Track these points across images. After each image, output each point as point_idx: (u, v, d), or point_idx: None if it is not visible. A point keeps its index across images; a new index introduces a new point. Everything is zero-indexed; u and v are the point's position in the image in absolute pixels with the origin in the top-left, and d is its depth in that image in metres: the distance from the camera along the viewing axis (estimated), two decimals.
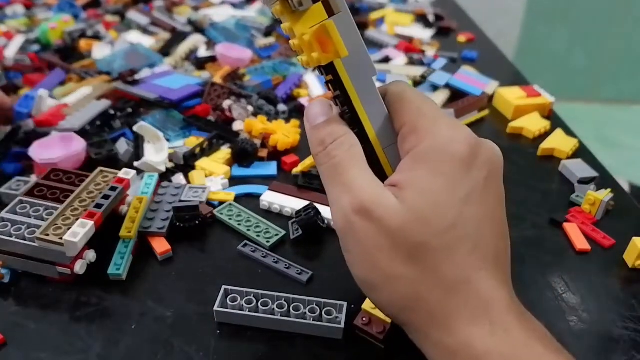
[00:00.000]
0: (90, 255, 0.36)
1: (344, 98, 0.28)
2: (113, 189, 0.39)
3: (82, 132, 0.51)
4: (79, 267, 0.35)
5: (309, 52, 0.26)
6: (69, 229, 0.34)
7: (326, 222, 0.41)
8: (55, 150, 0.46)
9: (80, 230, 0.34)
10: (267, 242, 0.40)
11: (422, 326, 0.26)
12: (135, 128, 0.49)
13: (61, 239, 0.34)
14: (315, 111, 0.29)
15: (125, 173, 0.41)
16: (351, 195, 0.26)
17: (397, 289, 0.26)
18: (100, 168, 0.41)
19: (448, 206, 0.25)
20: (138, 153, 0.50)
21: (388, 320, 0.31)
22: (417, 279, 0.25)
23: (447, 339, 0.25)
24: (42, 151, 0.46)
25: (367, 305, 0.32)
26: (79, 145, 0.47)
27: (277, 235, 0.41)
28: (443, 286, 0.25)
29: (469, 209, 0.25)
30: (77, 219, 0.36)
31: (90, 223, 0.35)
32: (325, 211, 0.42)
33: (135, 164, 0.47)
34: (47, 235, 0.34)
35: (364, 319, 0.32)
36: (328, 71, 0.27)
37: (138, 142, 0.51)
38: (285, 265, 0.38)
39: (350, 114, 0.28)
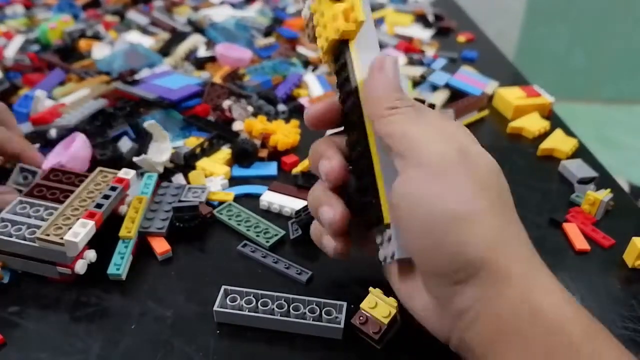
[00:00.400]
0: (91, 254, 0.36)
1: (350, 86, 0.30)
2: (113, 188, 0.39)
3: (82, 132, 0.51)
4: (80, 267, 0.35)
5: (332, 24, 0.30)
6: (69, 228, 0.34)
7: None
8: (62, 155, 0.47)
9: (81, 230, 0.34)
10: (267, 242, 0.40)
11: (505, 269, 0.25)
12: (145, 124, 0.49)
13: (62, 238, 0.34)
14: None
15: (125, 173, 0.41)
16: (452, 138, 0.27)
17: (493, 222, 0.26)
18: (99, 168, 0.41)
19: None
20: (143, 150, 0.50)
21: (385, 321, 0.31)
22: (504, 219, 0.27)
23: (533, 279, 0.25)
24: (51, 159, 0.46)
25: (365, 304, 0.32)
26: (86, 147, 0.47)
27: (276, 235, 0.41)
28: (519, 227, 0.28)
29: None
30: (77, 219, 0.36)
31: (90, 223, 0.35)
32: None
33: (135, 159, 0.46)
34: (48, 235, 0.34)
35: (361, 317, 0.32)
36: (339, 56, 0.31)
37: (145, 139, 0.51)
38: (285, 265, 0.38)
39: (354, 101, 0.30)
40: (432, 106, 0.59)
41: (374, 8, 0.97)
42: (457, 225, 0.25)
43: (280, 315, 0.33)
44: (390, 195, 0.29)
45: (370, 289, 0.33)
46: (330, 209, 0.31)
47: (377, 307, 0.32)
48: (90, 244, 0.36)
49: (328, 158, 0.31)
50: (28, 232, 0.35)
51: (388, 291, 0.32)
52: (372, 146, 0.30)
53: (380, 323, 0.32)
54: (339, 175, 0.31)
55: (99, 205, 0.37)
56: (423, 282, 0.28)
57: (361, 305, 0.33)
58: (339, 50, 0.31)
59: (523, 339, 0.24)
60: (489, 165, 0.28)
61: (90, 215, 0.36)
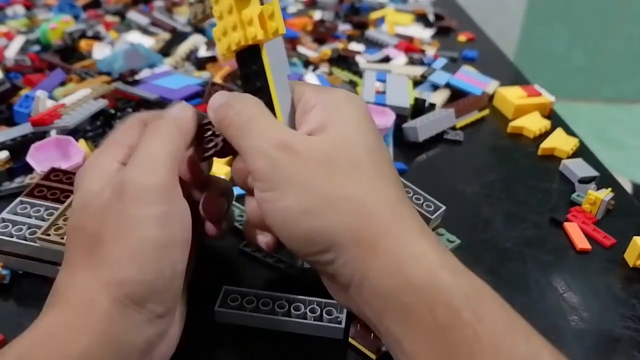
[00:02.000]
0: None
1: (261, 81, 0.30)
2: None
3: (83, 133, 0.51)
4: None
5: (244, 28, 0.29)
6: None
7: None
8: (54, 159, 0.47)
9: None
10: None
11: (370, 242, 0.26)
12: None
13: (62, 238, 0.34)
14: (216, 97, 0.30)
15: None
16: (269, 136, 0.27)
17: (342, 208, 0.26)
18: None
19: (370, 130, 0.29)
20: None
21: None
22: (361, 195, 0.26)
23: (401, 250, 0.25)
24: (42, 159, 0.46)
25: None
26: (79, 155, 0.47)
27: None
28: (387, 200, 0.27)
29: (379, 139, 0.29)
30: None
31: None
32: None
33: None
34: (49, 235, 0.34)
35: (360, 323, 0.32)
36: (249, 56, 0.30)
37: None
38: (286, 265, 0.38)
39: (262, 92, 0.30)
40: (432, 106, 0.59)
41: (374, 7, 0.97)
42: (299, 217, 0.26)
43: (281, 315, 0.33)
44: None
45: None
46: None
47: None
48: None
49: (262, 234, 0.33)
50: (29, 232, 0.35)
51: None
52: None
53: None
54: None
55: None
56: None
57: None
58: (249, 51, 0.30)
59: (404, 309, 0.25)
60: (336, 137, 0.28)
61: None
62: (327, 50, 0.73)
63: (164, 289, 0.26)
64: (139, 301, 0.25)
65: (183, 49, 0.72)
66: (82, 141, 0.49)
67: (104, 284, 0.25)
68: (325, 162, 0.27)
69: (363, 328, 0.32)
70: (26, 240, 0.35)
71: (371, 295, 0.26)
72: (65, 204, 0.37)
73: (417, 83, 0.67)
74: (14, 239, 0.35)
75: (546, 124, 0.59)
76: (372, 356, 0.31)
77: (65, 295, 0.26)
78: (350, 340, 0.32)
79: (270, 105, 0.30)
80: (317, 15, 0.92)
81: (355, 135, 0.28)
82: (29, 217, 0.37)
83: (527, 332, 0.24)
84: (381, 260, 0.25)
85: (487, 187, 0.48)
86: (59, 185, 0.39)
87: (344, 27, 0.86)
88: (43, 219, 0.36)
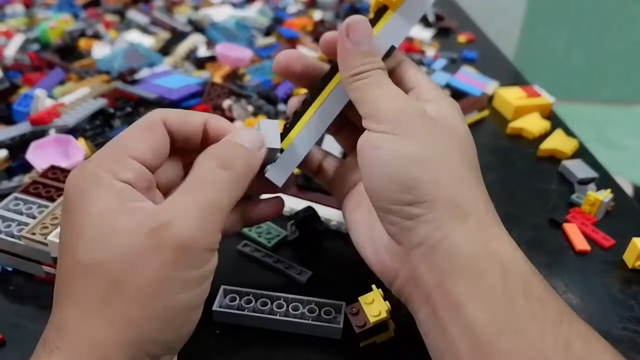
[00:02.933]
0: None
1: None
2: None
3: (82, 132, 0.51)
4: None
5: None
6: (56, 228, 0.34)
7: (324, 223, 0.41)
8: (53, 156, 0.46)
9: None
10: (269, 242, 0.40)
11: (465, 209, 0.27)
12: None
13: (46, 238, 0.33)
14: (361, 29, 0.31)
15: None
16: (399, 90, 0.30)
17: (452, 173, 0.27)
18: None
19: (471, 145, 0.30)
20: None
21: (371, 319, 0.31)
22: (467, 175, 0.28)
23: (490, 228, 0.27)
24: (41, 157, 0.46)
25: (363, 298, 0.32)
26: (78, 154, 0.47)
27: (278, 235, 0.41)
28: (484, 194, 0.29)
29: None
30: None
31: None
32: (324, 212, 0.42)
33: None
34: (34, 234, 0.34)
35: (354, 309, 0.32)
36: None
37: None
38: (285, 265, 0.38)
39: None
40: None
41: None
42: (412, 163, 0.27)
43: (280, 315, 0.33)
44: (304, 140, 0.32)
45: (373, 286, 0.33)
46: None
47: (372, 304, 0.32)
48: None
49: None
50: (17, 229, 0.35)
51: (387, 296, 0.32)
52: (315, 104, 0.32)
53: (366, 319, 0.31)
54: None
55: None
56: (381, 221, 0.29)
57: (359, 298, 0.32)
58: (377, 14, 0.32)
59: (477, 274, 0.25)
60: (451, 127, 0.30)
61: None
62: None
63: (182, 343, 0.26)
64: (154, 356, 0.24)
65: (183, 48, 0.72)
66: (81, 140, 0.49)
67: (123, 342, 0.23)
68: (444, 133, 0.29)
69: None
70: (14, 237, 0.35)
71: (443, 256, 0.26)
72: (56, 203, 0.37)
73: None
74: (2, 236, 0.35)
75: (546, 125, 0.59)
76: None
77: (73, 341, 0.23)
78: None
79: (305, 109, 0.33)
80: (317, 15, 0.92)
81: (461, 144, 0.29)
82: (21, 214, 0.36)
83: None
84: (470, 227, 0.26)
85: (486, 188, 0.48)
86: (54, 183, 0.39)
87: None
88: (34, 217, 0.36)
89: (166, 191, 0.29)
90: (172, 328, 0.24)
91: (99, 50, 0.72)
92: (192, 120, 0.29)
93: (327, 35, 0.33)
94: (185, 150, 0.30)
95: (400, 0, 0.31)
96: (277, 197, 0.35)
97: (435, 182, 0.27)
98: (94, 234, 0.24)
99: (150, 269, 0.23)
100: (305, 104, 0.33)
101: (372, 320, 0.31)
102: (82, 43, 0.74)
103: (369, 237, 0.31)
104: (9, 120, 0.53)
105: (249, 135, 0.29)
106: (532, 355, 0.23)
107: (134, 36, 0.77)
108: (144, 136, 0.27)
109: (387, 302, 0.31)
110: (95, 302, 0.23)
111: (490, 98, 0.65)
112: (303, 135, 0.32)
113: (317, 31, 0.81)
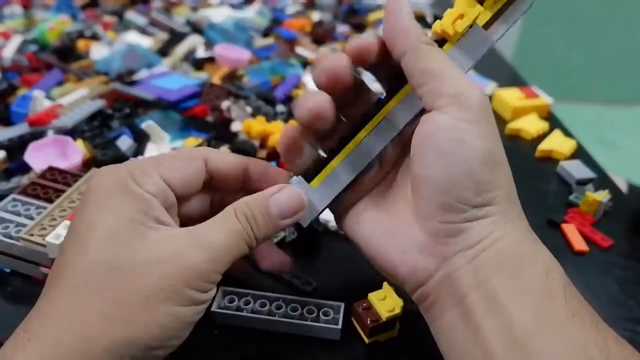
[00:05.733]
0: None
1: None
2: None
3: (80, 133, 0.51)
4: None
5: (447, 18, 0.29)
6: (54, 230, 0.34)
7: (322, 224, 0.41)
8: (51, 157, 0.46)
9: (64, 232, 0.34)
10: None
11: (514, 211, 0.28)
12: (144, 125, 0.49)
13: (44, 239, 0.33)
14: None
15: None
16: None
17: (506, 175, 0.28)
18: (93, 169, 0.41)
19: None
20: (140, 151, 0.50)
21: (384, 316, 0.31)
22: (509, 179, 0.28)
23: (530, 232, 0.28)
24: (40, 158, 0.46)
25: (374, 295, 0.32)
26: (77, 155, 0.47)
27: (277, 236, 0.41)
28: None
29: None
30: (63, 220, 0.35)
31: None
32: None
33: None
34: (32, 235, 0.34)
35: (365, 304, 0.32)
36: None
37: (143, 139, 0.51)
38: (302, 282, 0.37)
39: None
40: None
41: (372, 9, 0.97)
42: (490, 163, 0.26)
43: (278, 316, 0.33)
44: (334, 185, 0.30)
45: (385, 284, 0.33)
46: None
47: (385, 301, 0.32)
48: None
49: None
50: (15, 230, 0.35)
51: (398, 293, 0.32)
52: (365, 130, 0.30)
53: (378, 315, 0.31)
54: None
55: None
56: (429, 219, 0.27)
57: (369, 295, 0.32)
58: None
59: (521, 271, 0.26)
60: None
61: None
62: (325, 51, 0.73)
63: (163, 356, 0.26)
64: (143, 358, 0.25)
65: (181, 49, 0.72)
66: (79, 141, 0.49)
67: (116, 343, 0.23)
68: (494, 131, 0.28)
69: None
70: (12, 239, 0.35)
71: (491, 257, 0.26)
72: (54, 204, 0.36)
73: None
74: (0, 237, 0.35)
75: (544, 125, 0.59)
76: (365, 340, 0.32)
77: (59, 335, 0.23)
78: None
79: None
80: (316, 16, 0.92)
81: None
82: (19, 215, 0.36)
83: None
84: (519, 228, 0.27)
85: None
86: (53, 184, 0.39)
87: (343, 28, 0.86)
88: (32, 218, 0.36)
89: (187, 220, 0.30)
90: (166, 336, 0.25)
91: (97, 51, 0.72)
92: (230, 162, 0.31)
93: (358, 43, 0.29)
94: (224, 189, 0.32)
95: (458, 34, 0.28)
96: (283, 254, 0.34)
97: (503, 184, 0.27)
98: (111, 234, 0.25)
99: (165, 279, 0.24)
100: (343, 140, 0.30)
101: (385, 315, 0.31)
102: (81, 44, 0.74)
103: (392, 240, 0.29)
104: (7, 122, 0.53)
105: (283, 201, 0.29)
106: (574, 352, 0.23)
107: (132, 37, 0.77)
108: (179, 164, 0.29)
109: (401, 298, 0.32)
110: (95, 299, 0.24)
111: (488, 99, 0.65)
112: (338, 173, 0.29)
113: (315, 32, 0.81)
